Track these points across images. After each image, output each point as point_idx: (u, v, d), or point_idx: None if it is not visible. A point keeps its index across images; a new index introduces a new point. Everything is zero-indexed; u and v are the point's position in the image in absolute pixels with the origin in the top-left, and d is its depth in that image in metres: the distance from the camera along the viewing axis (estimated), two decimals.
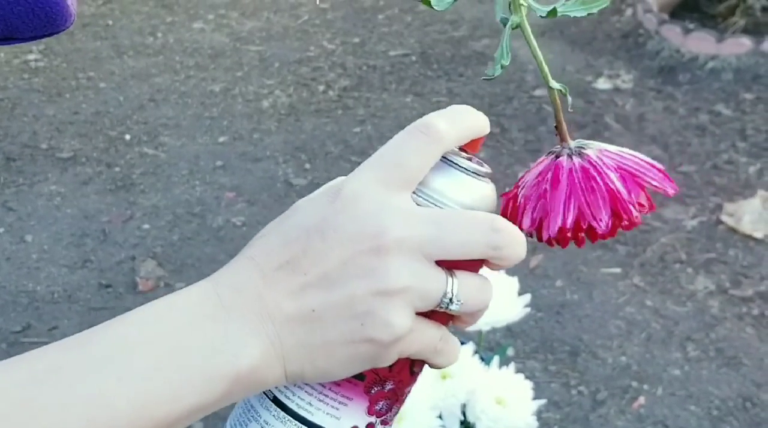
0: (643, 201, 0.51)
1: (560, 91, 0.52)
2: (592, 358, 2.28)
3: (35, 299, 2.52)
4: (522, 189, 0.52)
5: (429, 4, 0.51)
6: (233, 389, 0.47)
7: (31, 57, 3.72)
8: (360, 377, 0.50)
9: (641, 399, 2.17)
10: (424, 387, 1.30)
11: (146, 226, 2.77)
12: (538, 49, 0.51)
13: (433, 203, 0.50)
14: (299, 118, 3.28)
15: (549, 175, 0.51)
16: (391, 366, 0.50)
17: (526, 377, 1.39)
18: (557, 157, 0.52)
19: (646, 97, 3.27)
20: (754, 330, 2.35)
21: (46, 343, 0.46)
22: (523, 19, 0.51)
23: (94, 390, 0.44)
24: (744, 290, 2.47)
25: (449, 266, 0.48)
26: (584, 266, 2.55)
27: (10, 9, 0.62)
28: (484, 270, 0.51)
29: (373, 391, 0.50)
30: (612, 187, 0.50)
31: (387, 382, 0.50)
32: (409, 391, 0.52)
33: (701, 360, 2.27)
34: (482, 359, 1.40)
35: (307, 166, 3.01)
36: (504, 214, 0.52)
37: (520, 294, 1.47)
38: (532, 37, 0.51)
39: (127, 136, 3.20)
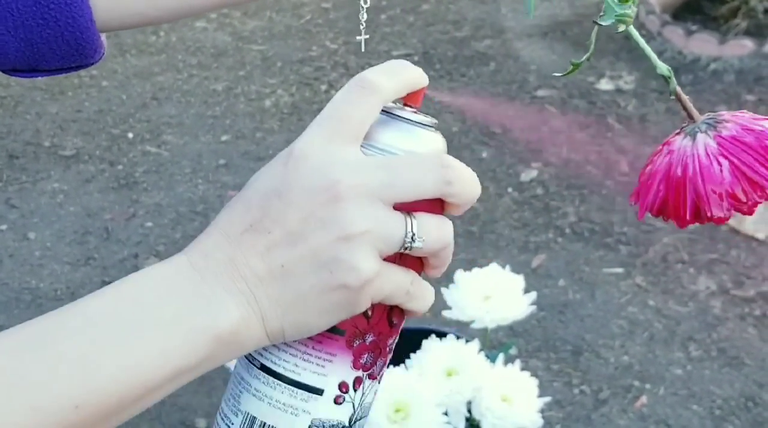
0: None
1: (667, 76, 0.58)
2: (595, 358, 2.29)
3: (38, 296, 2.52)
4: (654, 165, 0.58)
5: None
6: (216, 350, 0.48)
7: None
8: (340, 332, 0.51)
9: (643, 399, 2.18)
10: (430, 384, 1.31)
11: (149, 224, 2.78)
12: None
13: (383, 155, 0.52)
14: (302, 118, 3.29)
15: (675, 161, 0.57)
16: (369, 318, 0.51)
17: (529, 376, 1.40)
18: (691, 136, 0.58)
19: (648, 98, 3.28)
20: (756, 331, 2.35)
21: None
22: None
23: (80, 352, 0.46)
24: (746, 290, 2.47)
25: (408, 209, 0.50)
26: (586, 266, 2.55)
27: (38, 32, 0.60)
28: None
29: (355, 344, 0.51)
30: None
31: (367, 335, 0.52)
32: (391, 344, 0.54)
33: (703, 359, 2.27)
34: (487, 357, 1.40)
35: None
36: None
37: (524, 293, 1.48)
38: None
39: (130, 134, 3.21)
